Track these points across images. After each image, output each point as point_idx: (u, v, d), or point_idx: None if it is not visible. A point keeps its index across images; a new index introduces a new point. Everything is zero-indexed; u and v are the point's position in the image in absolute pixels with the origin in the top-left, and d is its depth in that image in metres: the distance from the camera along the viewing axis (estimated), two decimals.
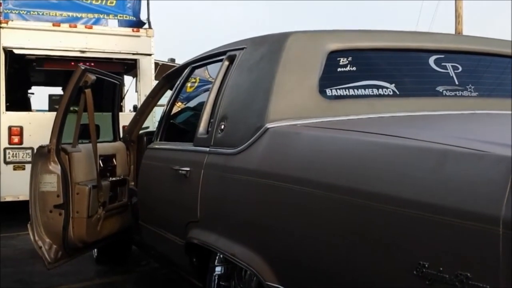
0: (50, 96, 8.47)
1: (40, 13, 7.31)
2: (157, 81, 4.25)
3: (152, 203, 3.18)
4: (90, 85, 3.26)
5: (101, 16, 7.63)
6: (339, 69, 2.25)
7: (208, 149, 2.43)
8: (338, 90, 2.20)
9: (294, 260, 1.76)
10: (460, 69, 2.41)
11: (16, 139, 6.51)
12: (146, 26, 7.61)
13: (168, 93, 3.65)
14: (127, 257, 4.57)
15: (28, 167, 4.53)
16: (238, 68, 2.45)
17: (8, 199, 6.41)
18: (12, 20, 6.89)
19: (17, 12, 7.18)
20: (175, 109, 3.39)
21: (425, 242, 1.28)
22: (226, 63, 2.59)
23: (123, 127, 4.67)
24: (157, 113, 6.27)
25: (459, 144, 1.34)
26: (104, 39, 7.13)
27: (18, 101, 8.02)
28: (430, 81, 2.39)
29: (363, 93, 2.22)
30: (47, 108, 8.30)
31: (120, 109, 5.87)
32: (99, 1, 7.64)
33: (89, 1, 7.57)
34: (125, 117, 5.32)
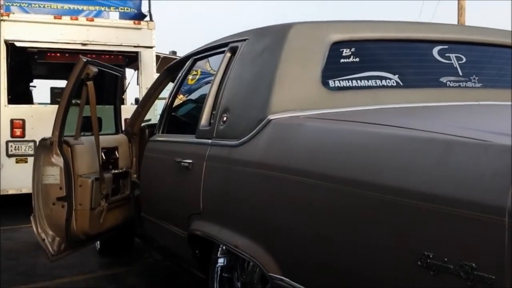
0: (52, 89, 8.46)
1: (42, 6, 7.30)
2: (158, 74, 4.24)
3: (155, 195, 3.18)
4: (92, 77, 3.25)
5: (102, 8, 7.62)
6: (342, 60, 2.23)
7: (210, 141, 2.42)
8: (341, 81, 2.19)
9: (297, 251, 1.76)
10: (464, 59, 2.40)
11: (18, 132, 6.52)
12: (148, 18, 7.59)
13: (170, 86, 3.64)
14: (130, 249, 4.58)
15: (31, 160, 4.54)
16: (240, 60, 2.44)
17: (11, 192, 6.43)
18: (14, 13, 6.88)
19: (18, 4, 7.17)
20: (177, 102, 3.39)
21: (429, 233, 1.27)
22: (228, 54, 2.58)
23: (125, 120, 4.67)
24: (158, 106, 6.27)
25: (464, 134, 1.34)
26: (105, 32, 7.11)
27: (20, 94, 8.03)
28: (433, 72, 2.37)
29: (366, 84, 2.20)
30: (49, 101, 8.30)
31: (122, 101, 5.87)
32: None
33: None
34: (127, 110, 5.32)
